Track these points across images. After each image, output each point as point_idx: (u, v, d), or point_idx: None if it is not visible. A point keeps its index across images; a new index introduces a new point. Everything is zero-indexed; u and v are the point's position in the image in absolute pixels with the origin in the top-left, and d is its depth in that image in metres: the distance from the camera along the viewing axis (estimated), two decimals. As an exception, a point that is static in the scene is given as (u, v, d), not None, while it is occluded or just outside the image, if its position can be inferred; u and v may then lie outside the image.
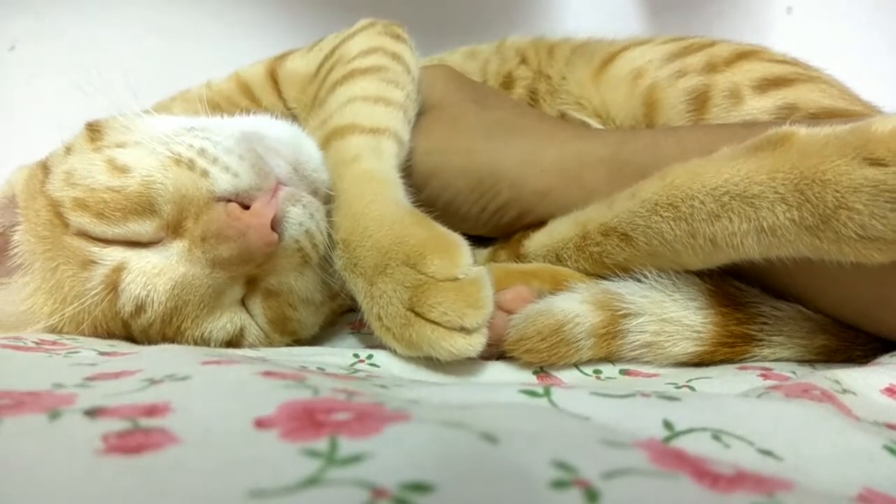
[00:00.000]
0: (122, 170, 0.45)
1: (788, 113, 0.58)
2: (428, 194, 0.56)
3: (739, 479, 0.20)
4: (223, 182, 0.44)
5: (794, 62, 0.66)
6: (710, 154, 0.43)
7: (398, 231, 0.44)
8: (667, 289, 0.45)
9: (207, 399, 0.25)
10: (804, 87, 0.60)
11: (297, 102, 0.65)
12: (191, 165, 0.44)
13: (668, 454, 0.22)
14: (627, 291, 0.45)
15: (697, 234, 0.41)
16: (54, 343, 0.42)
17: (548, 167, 0.54)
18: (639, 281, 0.45)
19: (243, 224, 0.42)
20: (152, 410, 0.24)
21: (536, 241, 0.53)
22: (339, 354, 0.45)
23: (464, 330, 0.39)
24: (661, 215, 0.43)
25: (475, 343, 0.40)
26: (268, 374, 0.28)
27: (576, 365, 0.44)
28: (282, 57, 0.69)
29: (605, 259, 0.47)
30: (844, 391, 0.35)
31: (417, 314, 0.40)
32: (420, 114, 0.60)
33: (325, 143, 0.52)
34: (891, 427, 0.30)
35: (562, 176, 0.53)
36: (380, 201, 0.46)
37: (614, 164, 0.51)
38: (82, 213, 0.44)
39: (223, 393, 0.26)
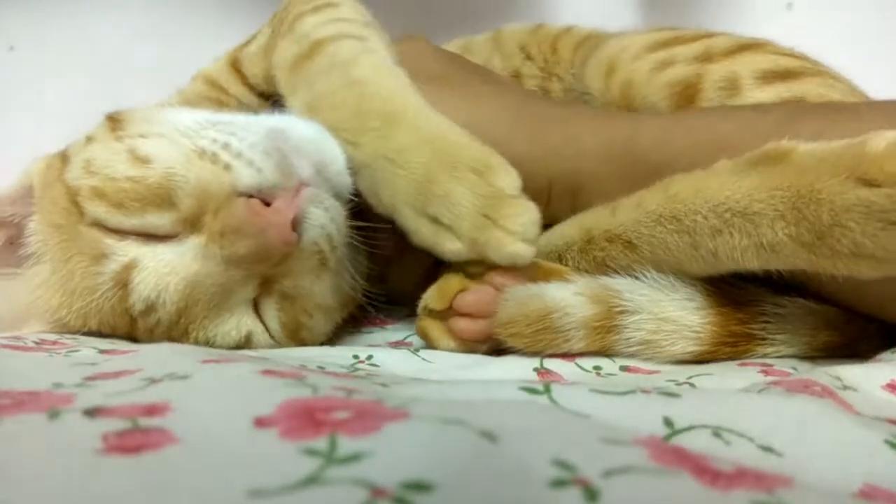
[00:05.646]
0: (144, 160, 0.44)
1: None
2: None
3: (740, 477, 0.20)
4: (246, 177, 0.43)
5: (801, 56, 0.64)
6: (723, 149, 0.43)
7: (454, 137, 0.45)
8: (665, 288, 0.45)
9: (207, 398, 0.25)
10: (813, 80, 0.59)
11: (265, 75, 0.60)
12: (214, 159, 0.44)
13: (669, 452, 0.22)
14: (626, 288, 0.45)
15: (700, 246, 0.42)
16: (54, 343, 0.42)
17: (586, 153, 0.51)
18: (637, 279, 0.45)
19: (264, 220, 0.42)
20: (152, 410, 0.24)
21: (539, 242, 0.53)
22: (338, 356, 0.44)
23: (525, 240, 0.43)
24: (665, 227, 0.43)
25: (529, 252, 0.43)
26: (267, 372, 0.28)
27: (576, 363, 0.44)
28: (243, 45, 0.65)
29: (608, 263, 0.48)
30: (845, 387, 0.35)
31: (491, 220, 0.42)
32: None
33: (309, 55, 0.50)
34: (892, 422, 0.30)
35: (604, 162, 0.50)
36: (413, 98, 0.46)
37: (625, 162, 0.49)
38: (99, 203, 0.44)
39: (223, 392, 0.26)
